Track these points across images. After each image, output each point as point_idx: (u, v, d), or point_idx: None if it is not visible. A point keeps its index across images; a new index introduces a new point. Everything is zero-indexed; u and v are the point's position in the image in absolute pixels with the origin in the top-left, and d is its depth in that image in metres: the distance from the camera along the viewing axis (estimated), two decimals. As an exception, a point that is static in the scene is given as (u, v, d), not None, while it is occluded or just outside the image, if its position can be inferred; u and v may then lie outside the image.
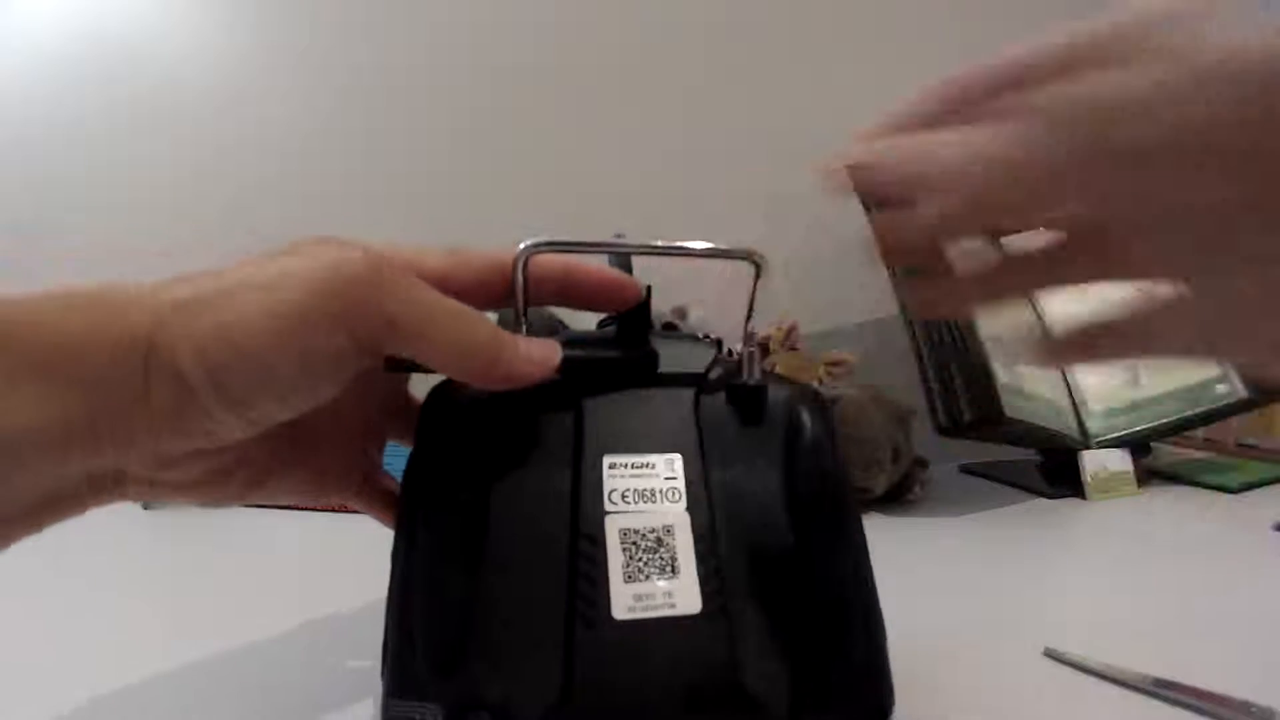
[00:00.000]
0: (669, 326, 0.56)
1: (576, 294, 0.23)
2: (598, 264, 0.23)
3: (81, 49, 0.77)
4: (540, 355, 0.20)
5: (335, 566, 0.41)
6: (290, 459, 0.23)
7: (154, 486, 0.20)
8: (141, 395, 0.17)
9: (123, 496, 0.20)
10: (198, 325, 0.17)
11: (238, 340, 0.17)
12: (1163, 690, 0.26)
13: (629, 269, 0.25)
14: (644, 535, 0.18)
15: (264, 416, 0.19)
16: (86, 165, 0.77)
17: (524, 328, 0.21)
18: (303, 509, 0.53)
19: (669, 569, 0.18)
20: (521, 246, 0.21)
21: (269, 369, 0.18)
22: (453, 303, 0.19)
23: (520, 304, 0.21)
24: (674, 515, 0.19)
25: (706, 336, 0.24)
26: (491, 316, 0.21)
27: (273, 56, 0.79)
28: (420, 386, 0.24)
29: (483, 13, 0.80)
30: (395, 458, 0.24)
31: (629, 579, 0.18)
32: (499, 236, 0.21)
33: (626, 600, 0.17)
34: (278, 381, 0.18)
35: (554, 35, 0.81)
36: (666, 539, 0.18)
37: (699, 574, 0.18)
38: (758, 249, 0.22)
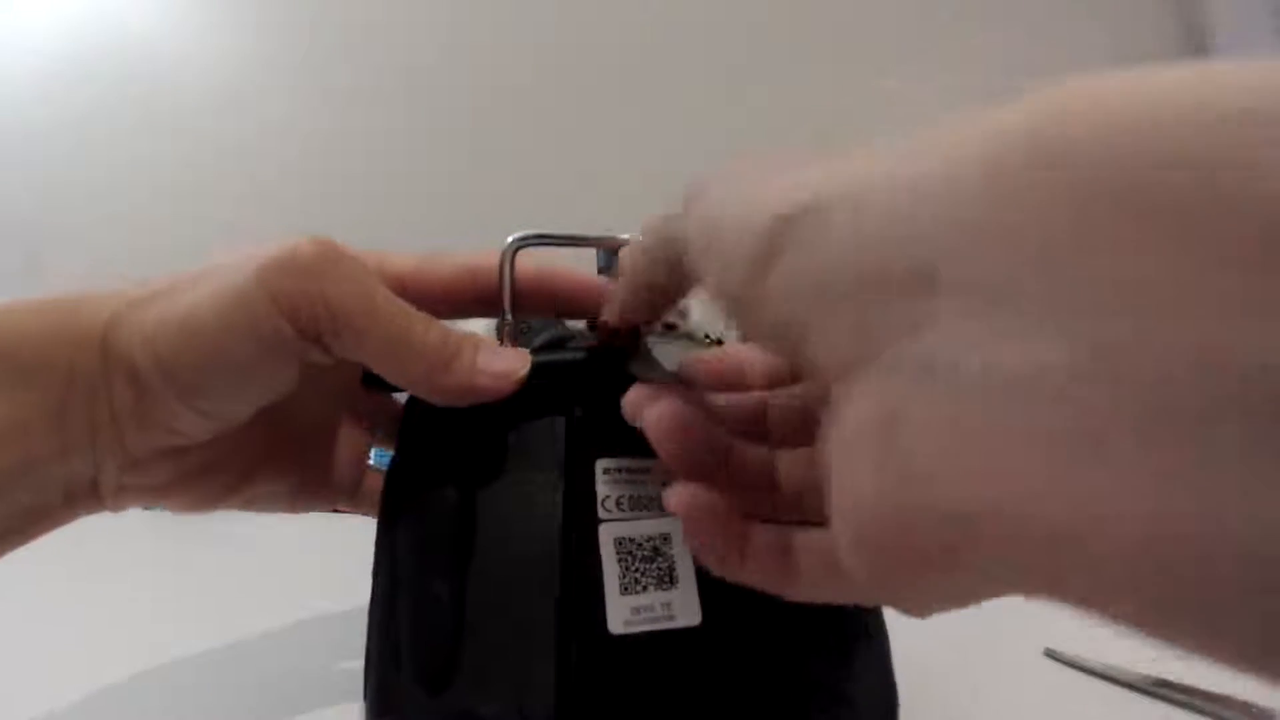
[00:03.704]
0: (669, 326, 0.55)
1: (553, 300, 0.22)
2: (577, 270, 0.22)
3: (81, 49, 0.76)
4: (501, 368, 0.18)
5: (333, 567, 0.41)
6: (266, 464, 0.22)
7: (127, 492, 0.19)
8: (102, 392, 0.17)
9: (100, 506, 0.19)
10: (147, 316, 0.18)
11: (182, 326, 0.17)
12: (1163, 690, 0.26)
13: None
14: (640, 544, 0.17)
15: (217, 409, 0.19)
16: (86, 166, 0.76)
17: (512, 325, 0.20)
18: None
19: (667, 579, 0.17)
20: (510, 240, 0.20)
21: (213, 354, 0.17)
22: (406, 304, 0.18)
23: (507, 300, 0.20)
24: (671, 523, 0.18)
25: (707, 336, 0.23)
26: (488, 324, 0.21)
27: (273, 58, 0.78)
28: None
29: (482, 14, 0.79)
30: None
31: (625, 590, 0.17)
32: (498, 237, 0.20)
33: (623, 613, 0.17)
34: (223, 368, 0.18)
35: (554, 36, 0.80)
36: (664, 548, 0.17)
37: (699, 584, 0.17)
38: None
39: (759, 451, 0.17)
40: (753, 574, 0.15)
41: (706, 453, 0.16)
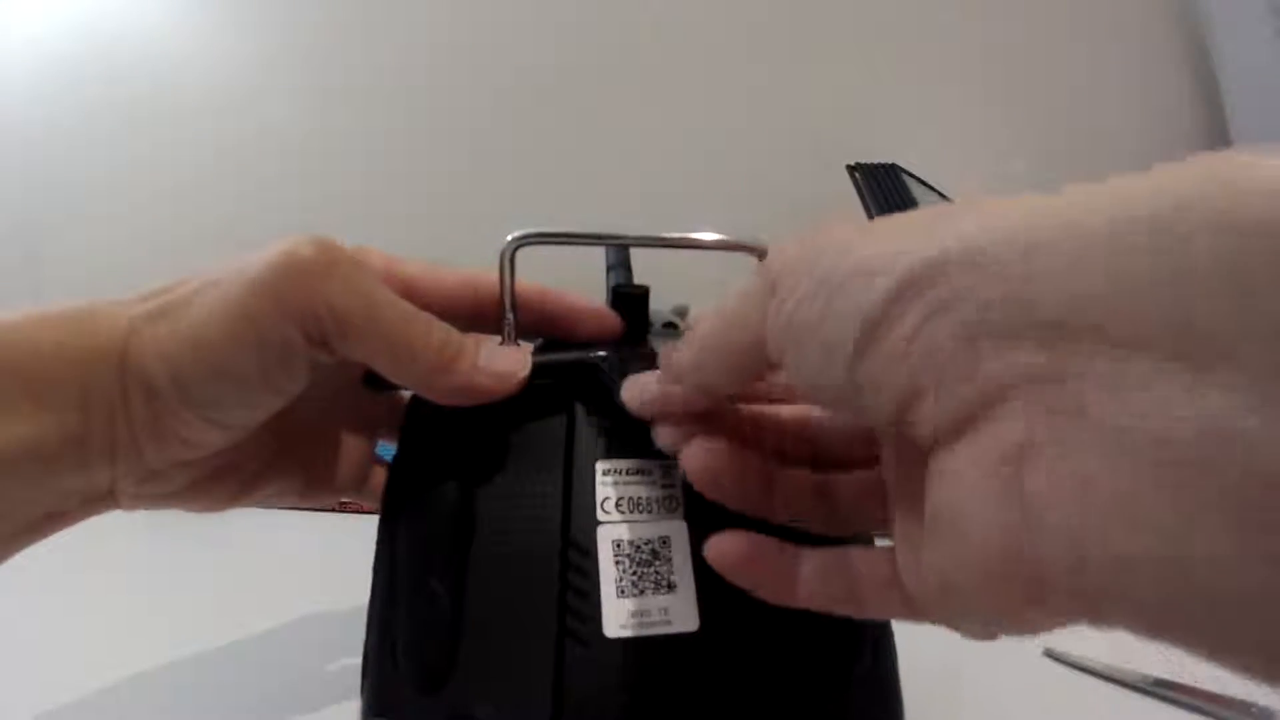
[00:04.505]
0: (670, 325, 0.55)
1: (551, 321, 0.21)
2: (578, 294, 0.22)
3: (81, 49, 0.76)
4: (503, 368, 0.19)
5: (333, 567, 0.41)
6: (279, 463, 0.23)
7: (142, 499, 0.20)
8: (120, 409, 0.18)
9: (115, 507, 0.20)
10: (161, 331, 0.18)
11: (193, 340, 0.17)
12: (1163, 690, 0.26)
13: (628, 263, 0.24)
14: (638, 547, 0.17)
15: (231, 418, 0.19)
16: (86, 166, 0.76)
17: (512, 324, 0.20)
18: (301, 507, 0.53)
19: (665, 584, 0.17)
20: (510, 238, 0.20)
21: (224, 365, 0.17)
22: (408, 304, 0.19)
23: (508, 300, 0.20)
24: (671, 526, 0.18)
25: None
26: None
27: (273, 58, 0.78)
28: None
29: (483, 14, 0.79)
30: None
31: (622, 594, 0.17)
32: (498, 236, 0.20)
33: (620, 617, 0.16)
34: (234, 378, 0.18)
35: (555, 35, 0.80)
36: (663, 551, 0.17)
37: (697, 589, 0.17)
38: (763, 240, 0.21)
39: (803, 475, 0.17)
40: (808, 600, 0.15)
41: (746, 484, 0.16)
